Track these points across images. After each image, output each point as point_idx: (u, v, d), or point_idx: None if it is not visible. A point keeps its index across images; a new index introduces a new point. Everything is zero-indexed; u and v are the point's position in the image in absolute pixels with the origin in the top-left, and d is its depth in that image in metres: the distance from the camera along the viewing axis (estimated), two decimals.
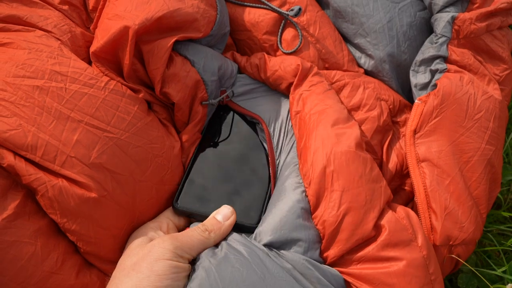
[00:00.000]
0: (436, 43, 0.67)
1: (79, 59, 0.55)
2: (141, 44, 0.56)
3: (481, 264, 0.72)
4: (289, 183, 0.57)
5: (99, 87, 0.53)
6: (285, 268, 0.50)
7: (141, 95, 0.58)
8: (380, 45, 0.69)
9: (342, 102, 0.64)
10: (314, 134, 0.58)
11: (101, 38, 0.55)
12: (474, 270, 0.64)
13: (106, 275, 0.53)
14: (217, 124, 0.66)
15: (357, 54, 0.72)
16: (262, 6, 0.68)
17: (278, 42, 0.68)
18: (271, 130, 0.64)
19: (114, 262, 0.51)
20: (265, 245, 0.52)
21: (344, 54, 0.70)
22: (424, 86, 0.66)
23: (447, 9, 0.68)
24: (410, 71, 0.69)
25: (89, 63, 0.58)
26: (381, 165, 0.65)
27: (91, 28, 0.62)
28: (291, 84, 0.65)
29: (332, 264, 0.54)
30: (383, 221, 0.54)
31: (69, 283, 0.49)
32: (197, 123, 0.62)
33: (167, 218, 0.56)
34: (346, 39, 0.72)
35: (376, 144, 0.65)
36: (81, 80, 0.52)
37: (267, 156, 0.62)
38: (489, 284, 0.64)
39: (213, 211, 0.55)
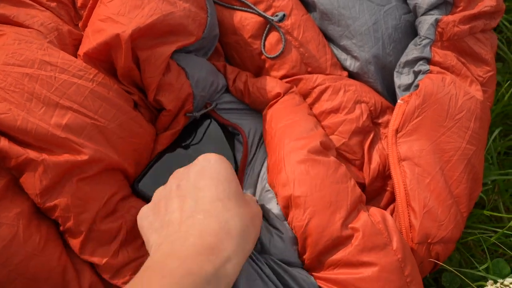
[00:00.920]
0: (419, 45, 0.68)
1: (68, 54, 0.57)
2: (137, 50, 0.58)
3: (465, 263, 0.73)
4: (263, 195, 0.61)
5: (87, 78, 0.55)
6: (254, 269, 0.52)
7: (135, 97, 0.60)
8: (365, 47, 0.71)
9: (311, 114, 0.67)
10: (278, 148, 0.61)
11: (93, 39, 0.57)
12: (453, 270, 0.65)
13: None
14: (194, 128, 0.67)
15: (342, 56, 0.73)
16: (248, 9, 0.70)
17: (262, 47, 0.70)
18: (250, 141, 0.67)
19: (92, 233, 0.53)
20: None
21: (327, 58, 0.71)
22: (407, 87, 0.68)
23: (431, 12, 0.69)
24: (395, 73, 0.70)
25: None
26: (362, 165, 0.66)
27: (79, 25, 0.63)
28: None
29: (309, 268, 0.56)
30: (358, 225, 0.55)
31: (51, 265, 0.50)
32: (175, 132, 0.65)
33: None
34: (332, 41, 0.74)
35: (355, 144, 0.66)
36: (70, 71, 0.54)
37: (237, 165, 0.66)
38: (470, 283, 0.65)
39: None
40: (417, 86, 0.66)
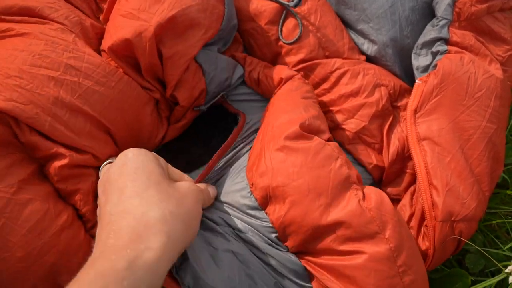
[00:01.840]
0: (437, 25, 0.68)
1: (93, 52, 0.58)
2: (161, 47, 0.58)
3: (489, 244, 0.73)
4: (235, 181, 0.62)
5: (109, 86, 0.57)
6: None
7: (156, 95, 0.62)
8: (382, 30, 0.71)
9: (308, 97, 0.65)
10: (261, 137, 0.61)
11: (115, 36, 0.58)
12: (479, 249, 0.64)
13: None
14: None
15: (360, 40, 0.74)
16: None
17: (279, 32, 0.70)
18: (247, 127, 0.67)
19: None
20: None
21: (345, 42, 0.72)
22: (426, 68, 0.68)
23: None
24: (412, 54, 0.70)
25: (100, 53, 0.61)
26: (381, 149, 0.67)
27: (101, 18, 0.65)
28: None
29: (295, 252, 0.57)
30: (343, 214, 0.53)
31: (79, 239, 0.53)
32: (184, 125, 0.67)
33: None
34: (349, 25, 0.74)
35: (375, 128, 0.66)
36: (93, 77, 0.56)
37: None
38: (496, 263, 0.64)
39: None
40: (435, 66, 0.66)
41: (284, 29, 0.71)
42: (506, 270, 0.60)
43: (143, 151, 0.50)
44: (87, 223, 0.55)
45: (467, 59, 0.65)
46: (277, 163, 0.56)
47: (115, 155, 0.54)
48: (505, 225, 0.71)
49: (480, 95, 0.64)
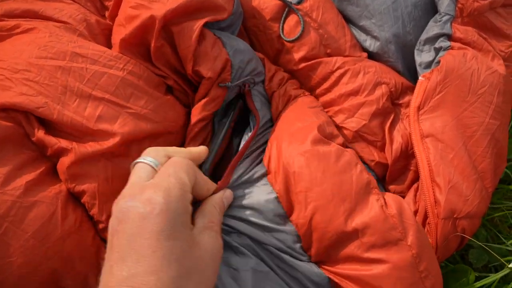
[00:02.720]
0: (440, 21, 0.68)
1: (98, 45, 0.59)
2: (171, 26, 0.58)
3: (491, 240, 0.73)
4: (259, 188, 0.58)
5: (118, 67, 0.57)
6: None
7: (169, 82, 0.61)
8: (385, 26, 0.71)
9: (313, 107, 0.66)
10: (276, 142, 0.60)
11: (129, 26, 0.58)
12: (481, 245, 0.65)
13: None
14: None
15: (362, 36, 0.73)
16: None
17: (280, 30, 0.70)
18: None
19: None
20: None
21: (347, 39, 0.72)
22: (428, 64, 0.68)
23: None
24: (415, 51, 0.70)
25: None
26: (384, 146, 0.66)
27: (106, 15, 0.65)
28: None
29: (318, 261, 0.56)
30: (367, 219, 0.53)
31: (86, 244, 0.52)
32: (207, 102, 0.61)
33: None
34: (351, 22, 0.74)
35: (376, 126, 0.66)
36: (100, 62, 0.56)
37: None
38: (499, 258, 0.65)
39: None
40: (438, 62, 0.65)
41: (285, 26, 0.71)
42: (510, 265, 0.61)
43: (173, 194, 0.42)
44: (98, 224, 0.54)
45: (470, 55, 0.65)
46: (299, 168, 0.55)
47: (135, 140, 0.54)
48: (507, 220, 0.71)
49: (483, 91, 0.64)
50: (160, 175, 0.44)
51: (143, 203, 0.40)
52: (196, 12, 0.60)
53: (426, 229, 0.61)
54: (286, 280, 0.54)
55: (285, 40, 0.70)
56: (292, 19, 0.71)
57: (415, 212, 0.63)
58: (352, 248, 0.53)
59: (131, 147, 0.56)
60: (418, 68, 0.69)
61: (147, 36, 0.58)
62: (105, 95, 0.54)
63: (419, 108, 0.65)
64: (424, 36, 0.69)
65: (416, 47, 0.70)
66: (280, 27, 0.70)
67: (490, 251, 0.65)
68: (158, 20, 0.56)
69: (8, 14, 0.58)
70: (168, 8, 0.56)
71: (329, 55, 0.71)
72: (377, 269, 0.52)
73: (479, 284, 0.64)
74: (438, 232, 0.60)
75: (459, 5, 0.67)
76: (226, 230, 0.54)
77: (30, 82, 0.52)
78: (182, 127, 0.62)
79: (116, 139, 0.53)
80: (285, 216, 0.56)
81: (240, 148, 0.60)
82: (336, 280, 0.54)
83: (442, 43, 0.67)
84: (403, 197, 0.66)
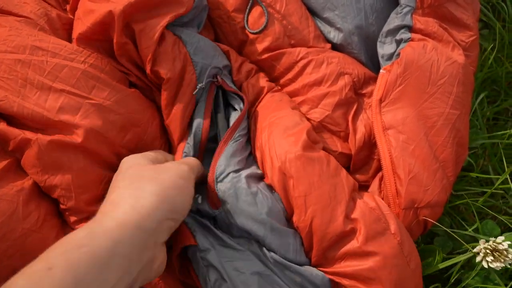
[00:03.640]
0: (400, 13, 0.69)
1: (59, 39, 0.58)
2: (132, 23, 0.58)
3: (456, 227, 0.74)
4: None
5: (79, 60, 0.56)
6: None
7: (132, 78, 0.61)
8: (348, 18, 0.71)
9: (295, 108, 0.67)
10: (268, 147, 0.60)
11: (86, 20, 0.58)
12: (448, 231, 0.66)
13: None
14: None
15: (326, 28, 0.74)
16: None
17: (245, 22, 0.70)
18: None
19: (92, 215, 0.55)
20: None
21: (310, 30, 0.72)
22: (390, 57, 0.68)
23: None
24: (378, 43, 0.71)
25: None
26: (347, 137, 0.67)
27: (67, 9, 0.64)
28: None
29: (316, 265, 0.57)
30: (357, 215, 0.56)
31: (48, 243, 0.50)
32: (184, 108, 0.61)
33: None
34: (315, 14, 0.74)
35: (339, 116, 0.66)
36: (61, 55, 0.56)
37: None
38: (464, 243, 0.66)
39: None
40: (399, 55, 0.66)
41: (250, 17, 0.71)
42: (474, 250, 0.62)
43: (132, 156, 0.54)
44: (69, 217, 0.55)
45: (430, 46, 0.66)
46: (296, 173, 0.56)
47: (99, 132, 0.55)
48: (471, 207, 0.72)
49: (443, 82, 0.64)
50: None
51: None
52: (157, 7, 0.60)
53: None
54: (290, 285, 0.55)
55: (250, 32, 0.70)
56: (256, 10, 0.71)
57: None
58: (348, 246, 0.55)
59: (100, 142, 0.55)
60: (380, 60, 0.69)
61: (110, 32, 0.58)
62: (65, 87, 0.54)
63: (380, 101, 0.65)
64: (386, 28, 0.70)
65: (379, 39, 0.70)
66: (245, 18, 0.70)
67: (456, 236, 0.66)
68: (117, 16, 0.56)
69: None
70: (127, 3, 0.56)
71: (293, 46, 0.71)
72: (372, 261, 0.54)
73: (444, 264, 0.66)
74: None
75: None
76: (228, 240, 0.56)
77: None
78: (149, 120, 0.61)
79: (80, 130, 0.53)
80: (287, 219, 0.58)
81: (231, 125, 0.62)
82: (337, 280, 0.56)
83: (402, 35, 0.68)
84: (368, 186, 0.67)
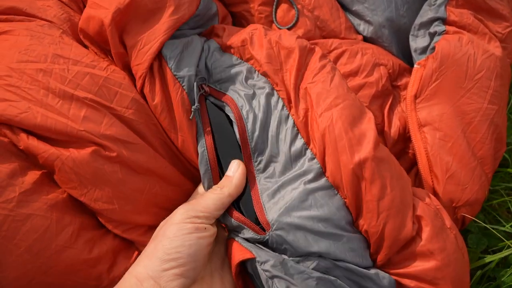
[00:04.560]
0: (434, 4, 0.66)
1: (80, 46, 0.57)
2: (124, 35, 0.56)
3: (490, 224, 0.73)
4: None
5: (101, 67, 0.55)
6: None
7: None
8: (378, 10, 0.69)
9: (349, 88, 0.58)
10: (334, 138, 0.52)
11: (85, 27, 0.57)
12: (483, 225, 0.65)
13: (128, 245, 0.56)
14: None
15: (355, 21, 0.72)
16: None
17: (274, 17, 0.68)
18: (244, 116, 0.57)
19: (139, 227, 0.55)
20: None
21: (341, 21, 0.70)
22: (424, 50, 0.66)
23: None
24: (410, 36, 0.69)
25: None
26: (383, 130, 0.65)
27: None
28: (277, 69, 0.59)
29: (380, 266, 0.54)
30: (420, 212, 0.53)
31: (83, 258, 0.51)
32: (189, 131, 0.56)
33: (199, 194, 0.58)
34: (344, 7, 0.72)
35: (376, 109, 0.65)
36: (82, 62, 0.54)
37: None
38: (504, 239, 0.65)
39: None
40: (434, 48, 0.64)
41: (278, 10, 0.69)
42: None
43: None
44: (114, 230, 0.54)
45: (466, 39, 0.63)
46: (371, 175, 0.51)
47: (123, 136, 0.53)
48: (505, 204, 0.71)
49: (480, 76, 0.62)
50: None
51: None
52: (150, 15, 0.56)
53: None
54: None
55: (279, 28, 0.68)
56: (285, 3, 0.69)
57: None
58: (413, 246, 0.52)
59: (133, 150, 0.53)
60: (413, 53, 0.67)
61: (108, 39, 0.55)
62: (88, 95, 0.52)
63: (415, 97, 0.63)
64: (418, 20, 0.68)
65: (411, 32, 0.68)
66: (273, 13, 0.68)
67: (496, 233, 0.65)
68: (107, 26, 0.53)
69: None
70: (115, 10, 0.53)
71: (324, 37, 0.70)
72: (437, 259, 0.51)
73: (481, 262, 0.65)
74: None
75: None
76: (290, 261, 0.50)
77: (12, 87, 0.51)
78: None
79: (108, 141, 0.51)
80: (353, 222, 0.53)
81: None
82: (403, 282, 0.52)
83: (436, 27, 0.65)
84: None
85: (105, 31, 0.54)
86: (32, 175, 0.50)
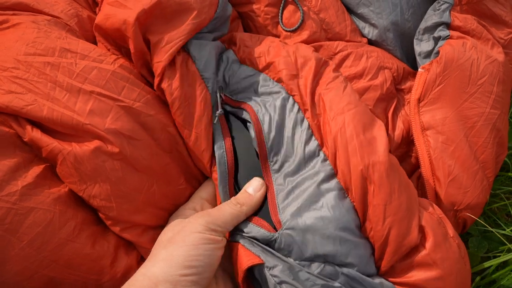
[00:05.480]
0: (438, 9, 0.67)
1: (87, 42, 0.57)
2: (148, 34, 0.56)
3: (490, 227, 0.73)
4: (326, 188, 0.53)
5: (108, 62, 0.55)
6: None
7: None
8: (383, 14, 0.69)
9: (358, 96, 0.59)
10: (345, 140, 0.53)
11: (104, 25, 0.56)
12: (493, 230, 0.65)
13: (125, 244, 0.55)
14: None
15: (361, 24, 0.72)
16: None
17: (280, 18, 0.68)
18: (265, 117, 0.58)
19: (136, 227, 0.54)
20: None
21: (347, 24, 0.70)
22: (428, 54, 0.67)
23: None
24: (414, 40, 0.69)
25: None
26: (387, 133, 0.65)
27: (97, 11, 0.62)
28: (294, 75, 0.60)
29: (383, 274, 0.53)
30: (424, 223, 0.52)
31: (85, 252, 0.50)
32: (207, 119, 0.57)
33: (200, 198, 0.58)
34: (349, 10, 0.72)
35: (380, 112, 0.65)
36: (90, 57, 0.54)
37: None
38: (505, 241, 0.65)
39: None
40: (438, 53, 0.64)
41: (285, 11, 0.69)
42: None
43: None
44: (112, 227, 0.54)
45: (469, 44, 0.64)
46: (379, 179, 0.50)
47: (129, 131, 0.52)
48: (505, 208, 0.71)
49: (483, 81, 0.63)
50: None
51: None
52: (174, 17, 0.56)
53: None
54: None
55: (285, 30, 0.68)
56: (291, 6, 0.69)
57: None
58: (416, 255, 0.51)
59: (135, 146, 0.53)
60: (417, 57, 0.68)
61: (126, 39, 0.55)
62: (95, 88, 0.52)
63: (419, 101, 0.64)
64: (423, 25, 0.68)
65: (416, 37, 0.69)
66: (279, 14, 0.69)
67: (499, 235, 0.65)
68: (131, 26, 0.53)
69: None
70: (140, 11, 0.53)
71: (330, 39, 0.70)
72: (440, 268, 0.51)
73: (481, 266, 0.65)
74: None
75: None
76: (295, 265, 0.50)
77: (19, 80, 0.50)
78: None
79: (112, 135, 0.51)
80: (361, 226, 0.53)
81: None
82: None
83: (441, 32, 0.66)
84: None
85: (125, 30, 0.54)
86: (36, 169, 0.50)
